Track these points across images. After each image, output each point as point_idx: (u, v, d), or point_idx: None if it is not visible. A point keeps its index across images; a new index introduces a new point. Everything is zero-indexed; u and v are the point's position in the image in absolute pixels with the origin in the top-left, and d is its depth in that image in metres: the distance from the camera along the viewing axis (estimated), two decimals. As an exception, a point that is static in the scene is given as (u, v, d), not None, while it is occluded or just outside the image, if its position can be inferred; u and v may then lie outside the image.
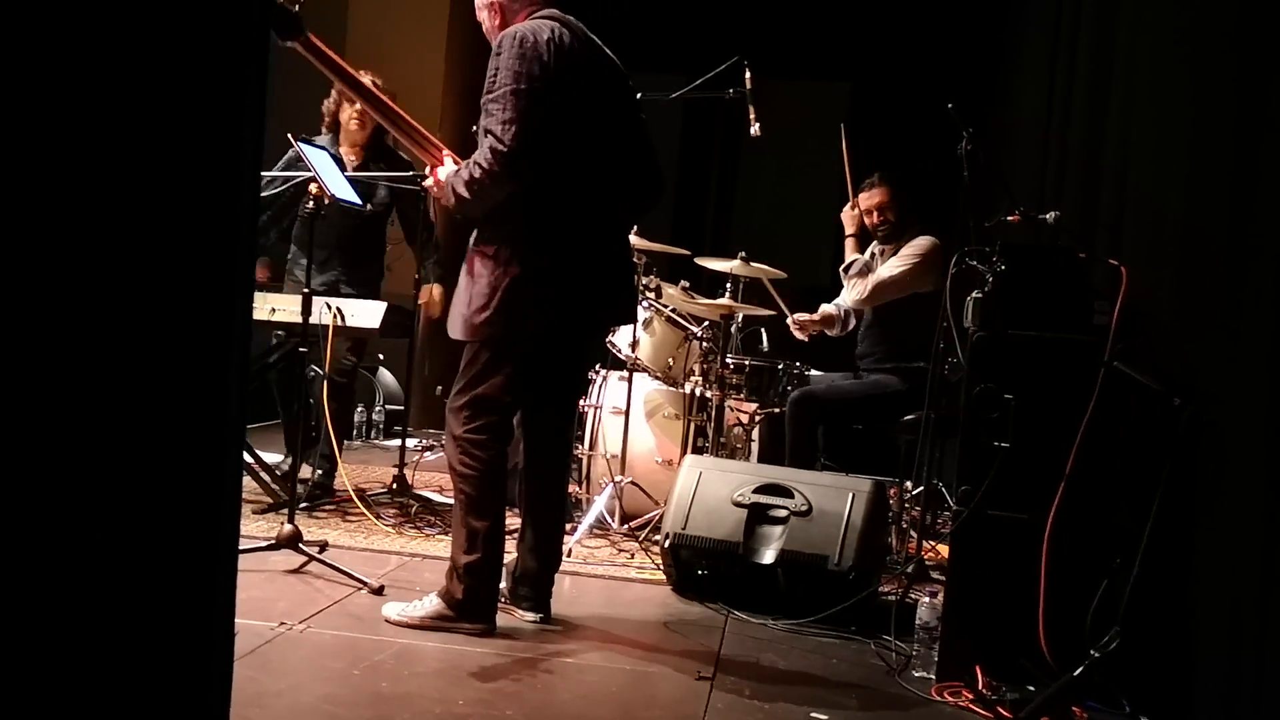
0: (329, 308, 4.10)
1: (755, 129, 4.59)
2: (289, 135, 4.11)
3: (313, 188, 3.65)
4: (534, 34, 2.95)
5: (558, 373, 3.23)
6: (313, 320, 3.81)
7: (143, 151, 1.32)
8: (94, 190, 1.29)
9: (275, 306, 4.20)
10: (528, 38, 2.94)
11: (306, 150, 3.61)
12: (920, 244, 4.63)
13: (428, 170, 3.19)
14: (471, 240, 3.09)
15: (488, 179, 2.91)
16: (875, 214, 4.81)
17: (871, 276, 4.63)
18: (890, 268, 4.62)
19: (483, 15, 3.20)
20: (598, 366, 5.01)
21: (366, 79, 3.34)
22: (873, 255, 4.94)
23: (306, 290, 3.68)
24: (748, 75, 4.56)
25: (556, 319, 3.01)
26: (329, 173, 3.65)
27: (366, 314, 4.27)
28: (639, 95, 3.29)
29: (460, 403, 3.08)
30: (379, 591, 3.35)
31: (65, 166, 1.27)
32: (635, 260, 4.50)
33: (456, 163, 3.11)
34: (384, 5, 7.18)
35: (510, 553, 3.25)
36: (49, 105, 1.24)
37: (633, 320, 3.59)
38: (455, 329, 3.06)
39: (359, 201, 3.93)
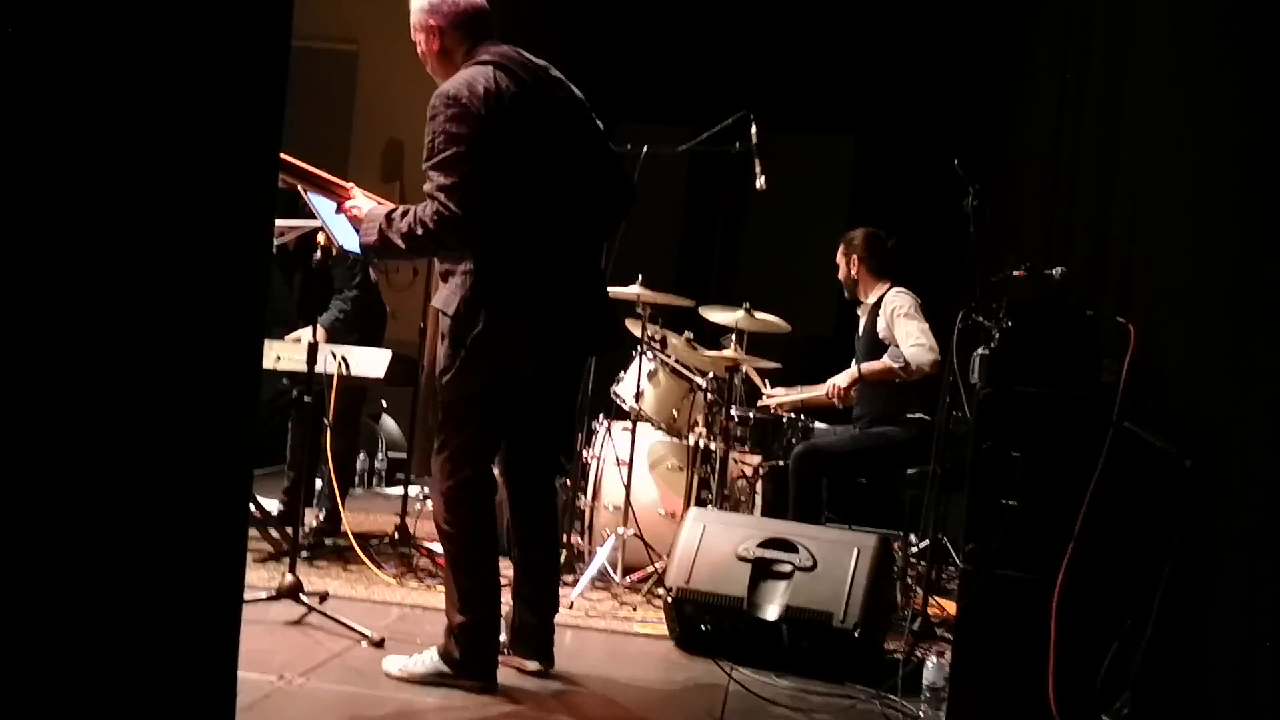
0: (334, 356, 4.10)
1: (761, 182, 4.62)
2: (298, 187, 4.13)
3: (320, 238, 3.66)
4: (469, 88, 2.89)
5: (534, 418, 3.18)
6: (317, 370, 3.79)
7: (160, 202, 1.32)
8: (110, 240, 1.29)
9: (280, 355, 4.20)
10: (461, 94, 2.88)
11: (313, 200, 3.62)
12: (896, 305, 4.67)
13: (334, 209, 3.15)
14: (435, 299, 3.07)
15: (429, 240, 2.89)
16: (839, 270, 4.96)
17: (912, 350, 4.56)
18: (906, 342, 4.59)
19: (419, 37, 3.11)
20: (601, 417, 4.99)
21: None
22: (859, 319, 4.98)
23: (312, 341, 3.67)
24: (753, 129, 4.59)
25: (536, 363, 2.98)
26: (336, 223, 3.65)
27: (371, 363, 4.26)
28: (642, 149, 3.27)
29: (442, 456, 3.05)
30: (379, 644, 3.31)
31: (83, 219, 1.27)
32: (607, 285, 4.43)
33: (370, 196, 3.11)
34: (391, 61, 7.24)
35: (507, 603, 3.20)
36: (73, 154, 1.25)
37: (614, 346, 3.49)
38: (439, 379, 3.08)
39: (366, 252, 3.93)
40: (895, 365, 4.58)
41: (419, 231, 2.88)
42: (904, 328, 4.60)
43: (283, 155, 3.04)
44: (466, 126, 2.87)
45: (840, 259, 4.95)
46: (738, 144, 4.64)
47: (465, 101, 2.88)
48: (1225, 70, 3.07)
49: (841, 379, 4.75)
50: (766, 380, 5.24)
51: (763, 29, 7.34)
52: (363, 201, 3.13)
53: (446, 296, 3.00)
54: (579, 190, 3.16)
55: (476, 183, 2.87)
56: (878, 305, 4.77)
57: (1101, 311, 3.27)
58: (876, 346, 4.73)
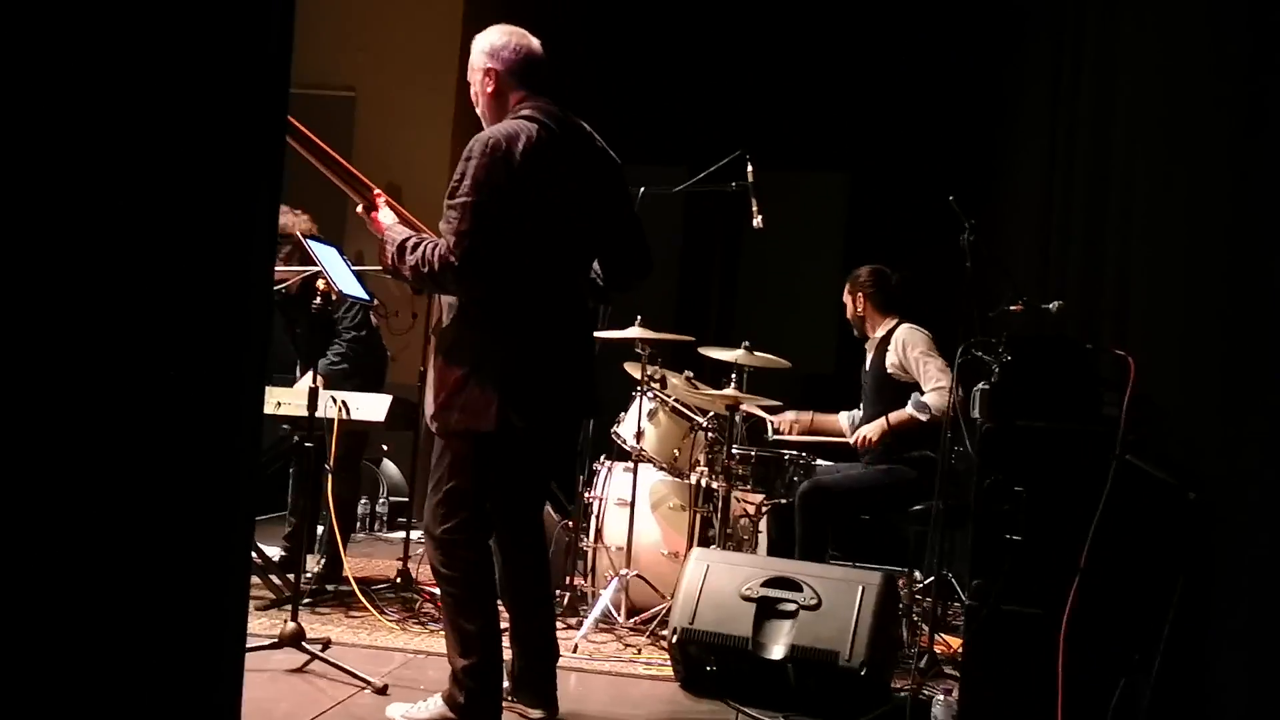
0: (334, 401, 4.10)
1: (758, 221, 4.64)
2: (297, 234, 4.15)
3: (320, 283, 3.68)
4: (508, 140, 2.92)
5: (527, 465, 3.17)
6: (318, 414, 3.80)
7: (159, 243, 1.33)
8: (108, 281, 1.30)
9: (280, 400, 4.20)
10: (500, 145, 2.91)
11: (314, 247, 3.64)
12: (911, 343, 4.67)
13: (360, 208, 3.17)
14: (436, 336, 3.09)
15: (430, 278, 2.94)
16: (847, 308, 4.96)
17: (933, 395, 4.55)
18: (933, 380, 4.57)
19: (475, 77, 3.14)
20: (602, 458, 4.98)
21: None
22: (866, 354, 4.98)
23: (313, 385, 3.68)
24: (749, 169, 4.62)
25: (513, 414, 2.97)
26: (337, 269, 3.67)
27: (371, 407, 4.26)
28: (639, 190, 3.29)
29: (435, 500, 3.04)
30: (383, 691, 3.29)
31: (83, 268, 1.28)
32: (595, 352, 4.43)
33: (391, 205, 3.13)
34: (389, 103, 7.31)
35: (506, 649, 3.18)
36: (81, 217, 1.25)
37: (594, 413, 3.52)
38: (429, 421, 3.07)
39: (368, 297, 3.95)
40: (922, 416, 4.54)
41: (424, 270, 2.92)
42: (925, 369, 4.59)
43: (312, 136, 3.04)
44: (497, 178, 2.90)
45: (847, 298, 4.95)
46: (734, 183, 4.68)
47: (503, 153, 2.91)
48: (1214, 99, 3.10)
49: (872, 431, 4.67)
50: (770, 416, 5.22)
51: (757, 69, 7.41)
52: (387, 215, 3.15)
53: (444, 330, 3.04)
54: (592, 257, 3.21)
55: (490, 235, 2.89)
56: (886, 340, 4.77)
57: (1100, 344, 3.28)
58: (884, 382, 4.72)
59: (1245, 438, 2.63)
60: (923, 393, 4.59)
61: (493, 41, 3.12)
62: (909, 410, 4.60)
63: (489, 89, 3.11)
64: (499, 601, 3.14)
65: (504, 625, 3.18)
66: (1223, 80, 3.05)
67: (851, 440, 4.79)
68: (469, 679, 2.97)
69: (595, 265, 3.27)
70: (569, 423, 3.34)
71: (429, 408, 3.03)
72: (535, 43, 3.15)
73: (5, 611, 1.23)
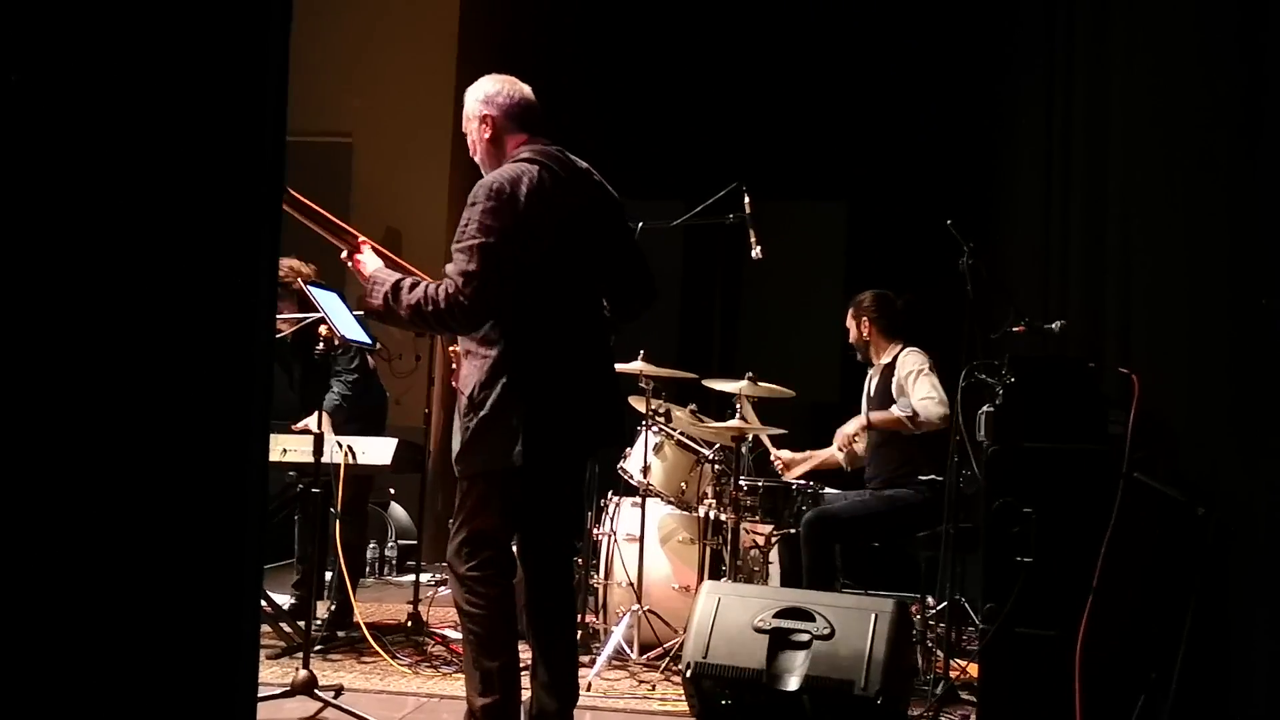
0: (340, 446, 4.10)
1: (756, 252, 4.65)
2: (297, 279, 4.17)
3: (322, 329, 3.69)
4: (511, 185, 2.94)
5: (552, 501, 3.16)
6: (324, 460, 3.80)
7: (162, 293, 1.34)
8: (117, 330, 1.30)
9: (286, 447, 4.21)
10: (504, 189, 2.93)
11: (315, 292, 3.66)
12: (910, 365, 4.68)
13: (344, 254, 3.15)
14: (455, 380, 3.10)
15: (435, 319, 2.92)
16: (850, 333, 4.98)
17: (924, 403, 4.54)
18: (916, 397, 4.57)
19: (471, 126, 3.16)
20: (610, 494, 4.97)
21: None
22: (869, 378, 4.98)
23: (318, 431, 3.68)
24: (746, 200, 4.64)
25: (537, 452, 2.97)
26: (338, 313, 3.68)
27: (378, 451, 4.26)
28: (637, 224, 3.30)
29: (458, 540, 3.04)
30: (396, 736, 3.27)
31: (90, 313, 1.28)
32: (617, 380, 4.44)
33: (375, 249, 3.12)
34: (387, 147, 7.36)
35: (525, 689, 3.16)
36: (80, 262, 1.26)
37: (625, 440, 3.51)
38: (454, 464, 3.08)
39: (370, 341, 3.96)
40: (904, 415, 4.55)
41: (428, 309, 2.90)
42: (916, 385, 4.60)
43: (295, 193, 3.04)
44: (502, 220, 2.91)
45: (850, 322, 4.96)
46: (731, 215, 4.69)
47: (507, 196, 2.93)
48: (1210, 111, 3.11)
49: (849, 426, 4.74)
50: (774, 443, 5.23)
51: (751, 101, 7.46)
52: (370, 258, 3.15)
53: (465, 376, 3.04)
54: (601, 289, 3.23)
55: (497, 277, 2.90)
56: (891, 366, 4.77)
57: (1103, 363, 3.28)
58: (889, 406, 4.72)
59: (1257, 450, 2.63)
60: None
61: (486, 90, 3.14)
62: (894, 410, 4.60)
63: (486, 135, 3.14)
64: (521, 641, 3.13)
65: (524, 664, 3.17)
66: (1218, 94, 3.06)
67: (834, 444, 4.79)
68: (488, 717, 2.95)
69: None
70: (593, 453, 3.32)
71: (454, 452, 3.04)
72: (527, 89, 3.18)
73: (16, 665, 1.23)
